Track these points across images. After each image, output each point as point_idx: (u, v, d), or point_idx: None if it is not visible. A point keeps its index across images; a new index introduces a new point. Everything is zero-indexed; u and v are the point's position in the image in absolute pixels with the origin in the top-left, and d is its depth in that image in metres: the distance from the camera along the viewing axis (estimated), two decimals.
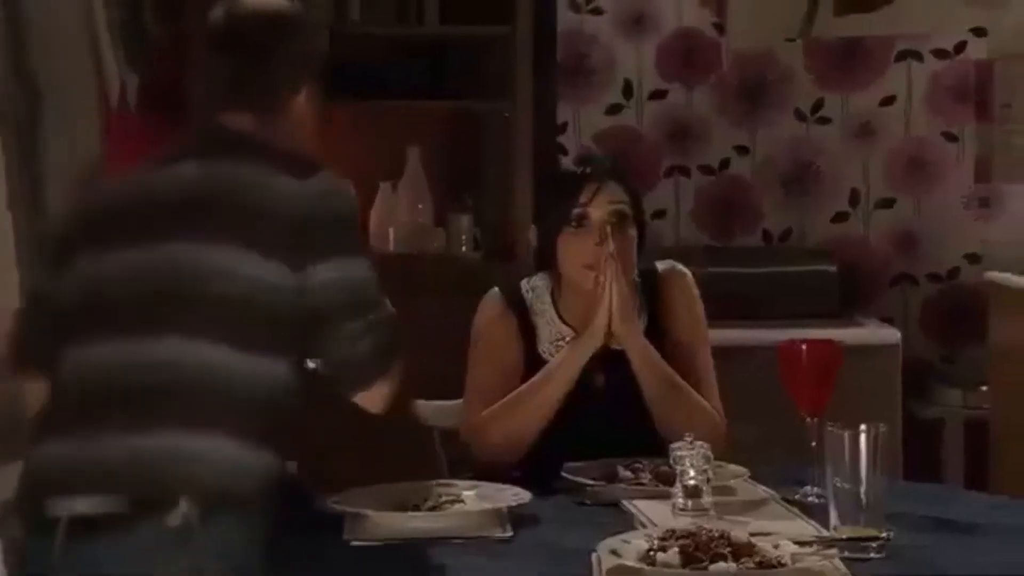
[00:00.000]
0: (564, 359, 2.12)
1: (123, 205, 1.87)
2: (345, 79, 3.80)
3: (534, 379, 2.13)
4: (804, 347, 1.93)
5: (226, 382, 1.74)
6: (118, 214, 1.86)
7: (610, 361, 2.16)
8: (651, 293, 2.22)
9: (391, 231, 3.88)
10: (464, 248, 3.86)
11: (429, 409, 2.46)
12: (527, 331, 2.20)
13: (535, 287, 2.24)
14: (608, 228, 2.09)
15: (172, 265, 1.78)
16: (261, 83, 1.90)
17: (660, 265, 2.27)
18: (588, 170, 2.14)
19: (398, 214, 3.88)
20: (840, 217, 3.95)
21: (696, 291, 2.25)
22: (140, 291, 1.79)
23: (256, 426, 1.74)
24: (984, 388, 3.64)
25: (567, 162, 2.17)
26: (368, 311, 1.82)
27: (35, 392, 1.87)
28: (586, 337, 2.10)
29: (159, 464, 1.70)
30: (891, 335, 3.45)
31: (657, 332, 2.18)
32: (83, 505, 1.69)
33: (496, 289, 2.25)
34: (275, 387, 1.77)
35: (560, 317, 2.21)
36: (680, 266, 2.27)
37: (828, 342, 1.96)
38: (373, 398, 1.84)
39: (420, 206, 3.91)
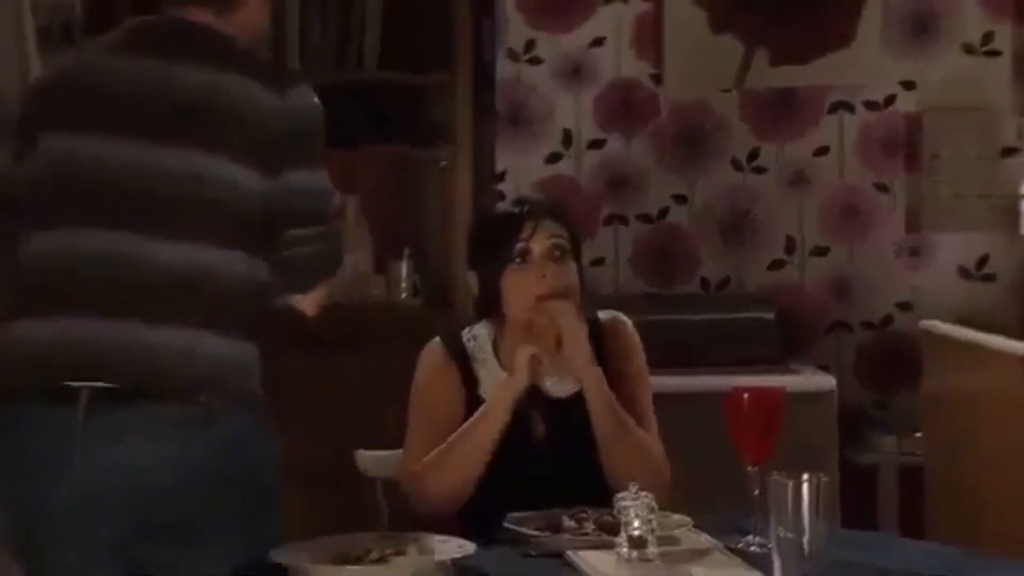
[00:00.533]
0: (492, 401, 2.11)
1: (94, 90, 1.97)
2: None
3: (466, 424, 2.12)
4: (748, 396, 1.93)
5: (206, 278, 1.90)
6: (89, 98, 1.97)
7: (552, 409, 2.16)
8: (594, 342, 2.21)
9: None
10: (404, 296, 3.85)
11: (370, 459, 2.44)
12: (469, 380, 2.19)
13: (476, 336, 2.22)
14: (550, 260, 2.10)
15: (155, 164, 1.91)
16: None
17: (602, 315, 2.27)
18: (526, 208, 2.15)
19: None
20: (776, 264, 3.99)
21: (637, 340, 2.25)
22: (120, 183, 1.92)
23: (236, 319, 1.92)
24: (918, 435, 3.68)
25: (503, 205, 2.17)
26: (321, 219, 1.97)
27: None
28: (513, 378, 2.10)
29: (145, 355, 1.86)
30: (827, 382, 3.48)
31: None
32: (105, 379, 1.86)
33: (437, 339, 2.24)
34: (251, 283, 1.93)
35: (502, 365, 2.20)
36: (621, 315, 2.28)
37: (772, 390, 1.96)
38: (309, 302, 1.99)
39: (359, 254, 3.88)
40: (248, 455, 1.93)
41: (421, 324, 3.60)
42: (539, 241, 2.12)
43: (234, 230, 1.93)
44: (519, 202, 2.20)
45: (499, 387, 2.11)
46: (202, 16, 2.02)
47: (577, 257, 2.17)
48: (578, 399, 2.16)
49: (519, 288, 2.12)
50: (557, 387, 2.18)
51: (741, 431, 1.95)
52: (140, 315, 1.90)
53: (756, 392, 1.95)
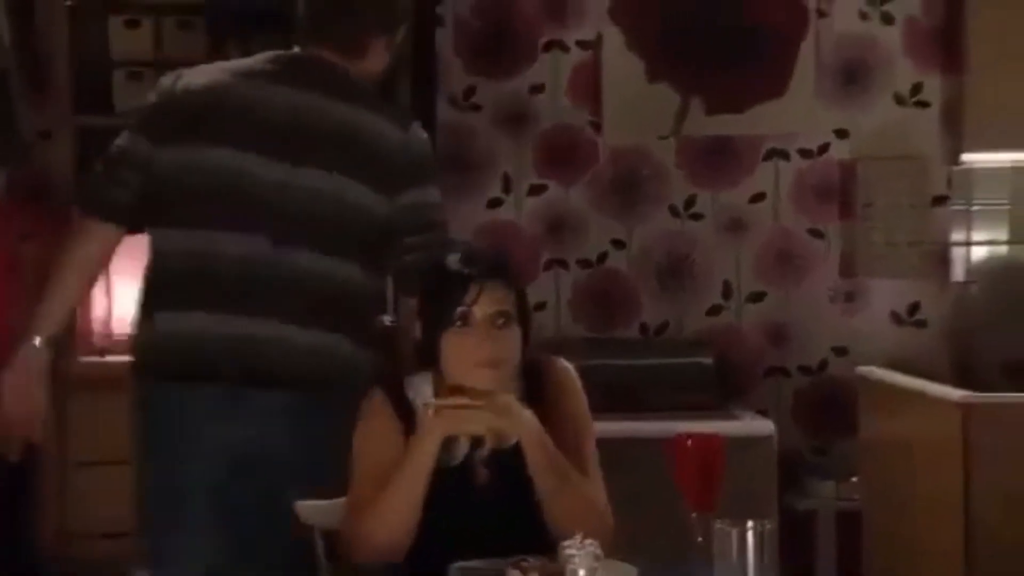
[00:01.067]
0: (410, 455, 2.09)
1: (252, 113, 2.30)
2: None
3: (395, 474, 2.09)
4: (691, 442, 1.93)
5: (335, 286, 2.27)
6: (247, 119, 2.29)
7: (494, 456, 2.14)
8: (535, 387, 2.20)
9: None
10: None
11: (309, 509, 2.40)
12: (411, 429, 2.16)
13: (418, 385, 2.20)
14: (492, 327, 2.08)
15: (300, 183, 2.26)
16: (348, 24, 2.36)
17: (543, 360, 2.26)
18: (473, 269, 2.12)
19: None
20: (714, 310, 4.02)
21: (579, 385, 2.23)
22: (267, 197, 2.26)
23: (355, 325, 2.29)
24: (855, 480, 3.71)
25: (452, 259, 2.15)
26: (430, 228, 2.33)
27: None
28: (424, 436, 2.07)
29: (266, 348, 2.22)
30: (766, 427, 3.49)
31: (542, 423, 2.16)
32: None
33: (378, 388, 2.21)
34: (368, 292, 2.31)
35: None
36: (563, 361, 2.26)
37: (715, 436, 1.96)
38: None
39: None
40: (339, 448, 2.13)
41: (360, 372, 3.59)
42: (483, 307, 2.09)
43: (360, 245, 2.29)
44: (467, 259, 2.16)
45: (413, 441, 2.10)
46: (335, 59, 2.35)
47: (524, 319, 2.15)
48: (519, 448, 2.14)
49: (458, 352, 2.10)
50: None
51: (684, 477, 1.94)
52: (276, 314, 2.25)
53: (698, 439, 1.95)
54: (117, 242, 2.40)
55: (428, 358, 2.16)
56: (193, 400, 2.27)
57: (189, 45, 3.72)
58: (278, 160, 2.29)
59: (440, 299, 2.11)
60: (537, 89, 3.97)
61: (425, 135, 2.41)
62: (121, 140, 2.40)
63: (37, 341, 2.37)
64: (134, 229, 2.39)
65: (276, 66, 2.38)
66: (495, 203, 3.97)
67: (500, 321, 2.09)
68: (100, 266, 2.44)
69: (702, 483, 1.92)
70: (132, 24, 3.69)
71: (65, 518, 3.59)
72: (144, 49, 3.69)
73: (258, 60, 2.42)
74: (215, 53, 3.72)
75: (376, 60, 2.41)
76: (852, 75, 4.01)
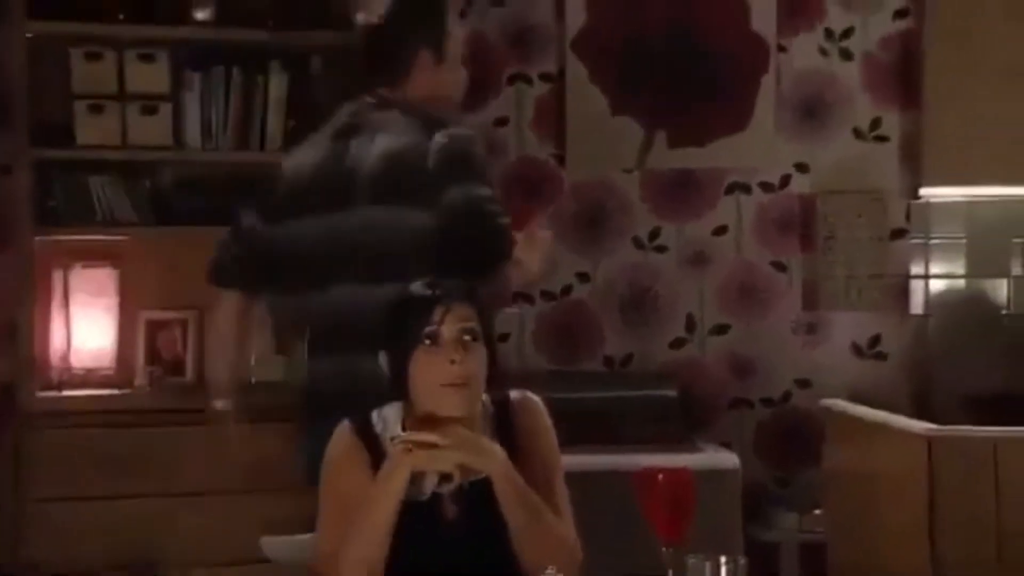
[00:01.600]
0: (378, 489, 2.07)
1: (320, 178, 2.59)
2: (185, 206, 3.73)
3: (362, 508, 2.07)
4: (661, 476, 1.92)
5: None
6: (336, 180, 2.55)
7: (463, 491, 2.12)
8: (504, 422, 2.19)
9: None
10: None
11: (276, 544, 2.37)
12: (380, 462, 2.15)
13: (385, 417, 2.18)
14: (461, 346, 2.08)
15: (370, 224, 2.50)
16: (380, 55, 2.59)
17: (513, 394, 2.25)
18: (438, 292, 2.13)
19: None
20: (678, 342, 4.03)
21: (548, 420, 2.23)
22: (361, 243, 2.51)
23: None
24: (818, 512, 3.72)
25: (416, 285, 2.16)
26: (480, 221, 2.48)
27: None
28: (391, 472, 2.06)
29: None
30: (731, 460, 3.49)
31: (512, 460, 2.15)
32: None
33: (346, 421, 2.20)
34: None
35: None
36: (531, 395, 2.25)
37: (684, 470, 1.96)
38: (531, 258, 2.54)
39: (260, 333, 3.82)
40: None
41: None
42: (450, 325, 2.09)
43: (426, 263, 2.44)
44: (432, 284, 2.17)
45: (381, 476, 2.08)
46: (387, 92, 2.59)
47: (489, 340, 2.16)
48: (489, 483, 2.13)
49: (426, 373, 2.09)
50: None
51: (655, 511, 1.94)
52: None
53: (669, 472, 1.94)
54: (249, 306, 2.77)
55: (396, 387, 2.15)
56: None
57: (151, 78, 3.70)
58: (349, 209, 2.54)
59: (407, 323, 2.11)
60: (501, 122, 3.98)
61: (463, 134, 2.54)
62: (244, 219, 2.75)
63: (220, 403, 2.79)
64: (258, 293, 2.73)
65: (340, 121, 2.66)
66: None
67: (467, 338, 2.09)
68: (239, 326, 2.79)
69: (672, 517, 1.92)
70: (93, 57, 3.66)
71: (20, 555, 3.52)
72: (106, 81, 3.67)
73: (336, 118, 2.69)
74: (177, 87, 3.72)
75: (428, 76, 2.59)
76: (812, 110, 4.05)
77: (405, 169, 2.51)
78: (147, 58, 3.69)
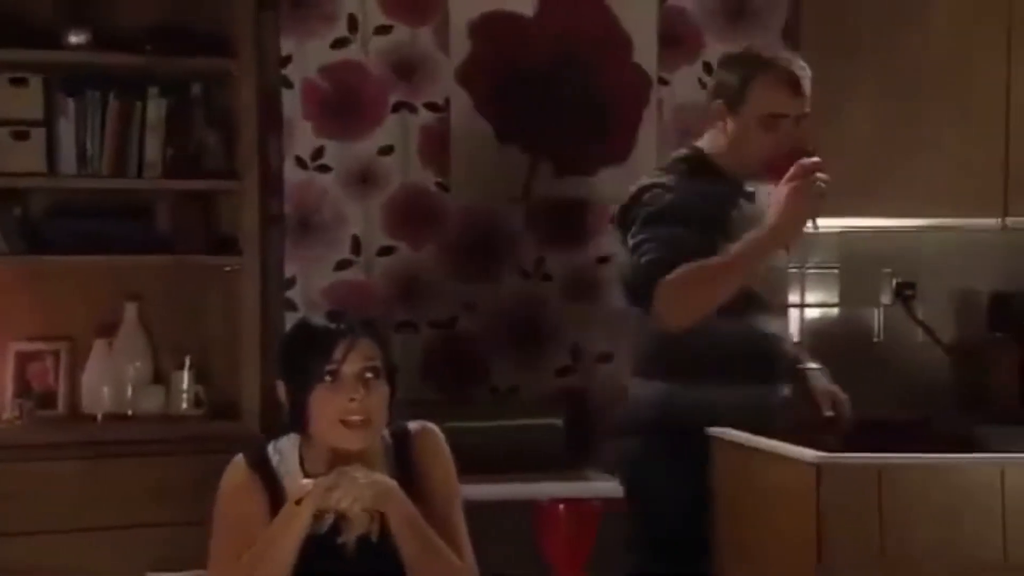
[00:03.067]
0: (281, 524, 2.02)
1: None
2: (58, 234, 3.61)
3: (261, 540, 2.01)
4: (562, 507, 1.89)
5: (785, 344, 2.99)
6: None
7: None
8: (404, 453, 2.17)
9: (105, 390, 3.66)
10: (185, 407, 3.68)
11: None
12: (275, 495, 2.08)
13: (281, 449, 2.13)
14: (361, 384, 2.05)
15: None
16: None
17: (411, 425, 2.23)
18: (341, 326, 2.09)
19: (114, 372, 3.68)
20: (564, 371, 4.01)
21: (447, 450, 2.21)
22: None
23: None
24: None
25: (318, 319, 2.11)
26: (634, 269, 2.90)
27: None
28: (294, 511, 2.01)
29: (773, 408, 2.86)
30: (618, 488, 3.47)
31: (411, 492, 2.12)
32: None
33: (241, 455, 2.13)
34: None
35: (308, 478, 2.10)
36: (431, 425, 2.24)
37: (586, 501, 1.93)
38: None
39: (138, 363, 3.71)
40: None
41: (204, 436, 3.47)
42: (352, 363, 2.06)
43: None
44: (335, 316, 2.13)
45: (284, 512, 2.03)
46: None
47: (390, 376, 2.14)
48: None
49: (326, 409, 2.05)
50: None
51: (552, 542, 1.90)
52: (775, 379, 2.94)
53: (569, 504, 1.91)
54: None
55: (294, 420, 2.11)
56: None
57: (24, 103, 3.58)
58: None
59: (308, 357, 2.07)
60: (386, 151, 3.93)
61: (640, 184, 2.97)
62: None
63: None
64: None
65: None
66: (344, 264, 3.89)
67: (368, 376, 2.06)
68: None
69: (571, 547, 1.89)
70: None
71: None
72: None
73: None
74: (51, 112, 3.59)
75: (722, 135, 2.94)
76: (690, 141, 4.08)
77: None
78: (19, 82, 3.56)
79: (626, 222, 2.93)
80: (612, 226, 3.04)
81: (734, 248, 2.76)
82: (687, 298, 2.75)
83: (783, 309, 3.01)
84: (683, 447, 2.75)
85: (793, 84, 2.86)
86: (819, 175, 2.72)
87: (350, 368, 2.05)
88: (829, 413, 2.95)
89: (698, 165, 2.96)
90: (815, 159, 2.75)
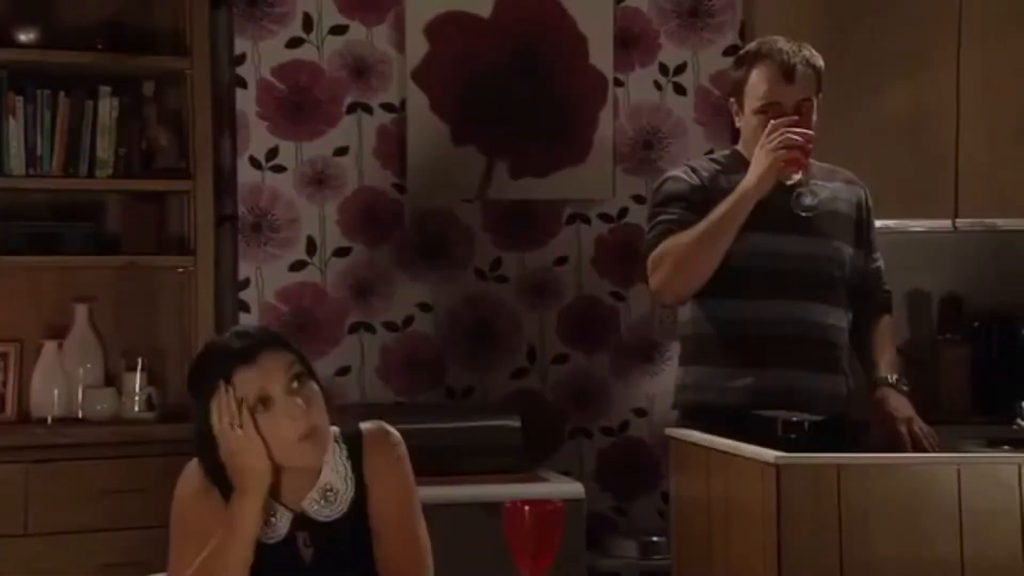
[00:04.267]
0: (235, 515, 1.95)
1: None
2: (7, 235, 3.53)
3: (214, 543, 1.95)
4: (528, 508, 1.85)
5: (838, 333, 2.90)
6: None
7: (319, 533, 2.03)
8: (356, 454, 2.11)
9: (56, 392, 3.58)
10: (137, 410, 3.61)
11: None
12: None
13: None
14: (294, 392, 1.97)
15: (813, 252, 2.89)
16: None
17: (364, 425, 2.16)
18: (247, 343, 1.99)
19: (64, 375, 3.60)
20: (519, 373, 3.98)
21: (403, 449, 2.14)
22: (794, 268, 2.83)
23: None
24: (656, 539, 3.71)
25: (221, 341, 2.00)
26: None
27: None
28: (244, 497, 1.95)
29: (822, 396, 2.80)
30: (576, 489, 3.44)
31: (366, 493, 2.07)
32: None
33: (195, 460, 2.06)
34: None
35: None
36: (385, 425, 2.17)
37: (552, 502, 1.90)
38: None
39: (89, 365, 3.63)
40: None
41: (155, 439, 3.40)
42: (277, 380, 1.97)
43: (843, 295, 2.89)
44: (240, 336, 2.02)
45: (236, 501, 1.96)
46: None
47: (313, 375, 2.05)
48: (345, 522, 2.04)
49: (277, 436, 1.97)
50: (323, 510, 2.05)
51: (519, 544, 1.87)
52: (815, 365, 2.83)
53: (535, 505, 1.88)
54: None
55: (205, 448, 2.00)
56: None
57: None
58: (797, 237, 2.89)
59: (213, 378, 1.97)
60: (342, 151, 3.88)
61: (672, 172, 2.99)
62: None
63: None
64: None
65: None
66: (299, 265, 3.83)
67: (294, 385, 1.98)
68: None
69: (536, 549, 1.85)
70: None
71: None
72: None
73: None
74: None
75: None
76: (648, 142, 4.07)
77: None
78: None
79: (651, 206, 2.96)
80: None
81: (714, 210, 2.75)
82: (675, 268, 2.75)
83: (839, 299, 2.89)
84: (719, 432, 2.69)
85: (785, 71, 2.83)
86: (790, 130, 2.73)
87: (278, 387, 1.96)
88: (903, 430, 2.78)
89: (731, 160, 2.95)
90: (789, 118, 2.76)
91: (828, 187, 2.95)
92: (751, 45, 2.97)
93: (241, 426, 1.93)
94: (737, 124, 2.96)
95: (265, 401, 1.95)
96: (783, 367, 2.80)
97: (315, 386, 2.01)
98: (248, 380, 1.94)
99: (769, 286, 2.81)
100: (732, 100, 2.96)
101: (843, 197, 2.96)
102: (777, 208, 2.83)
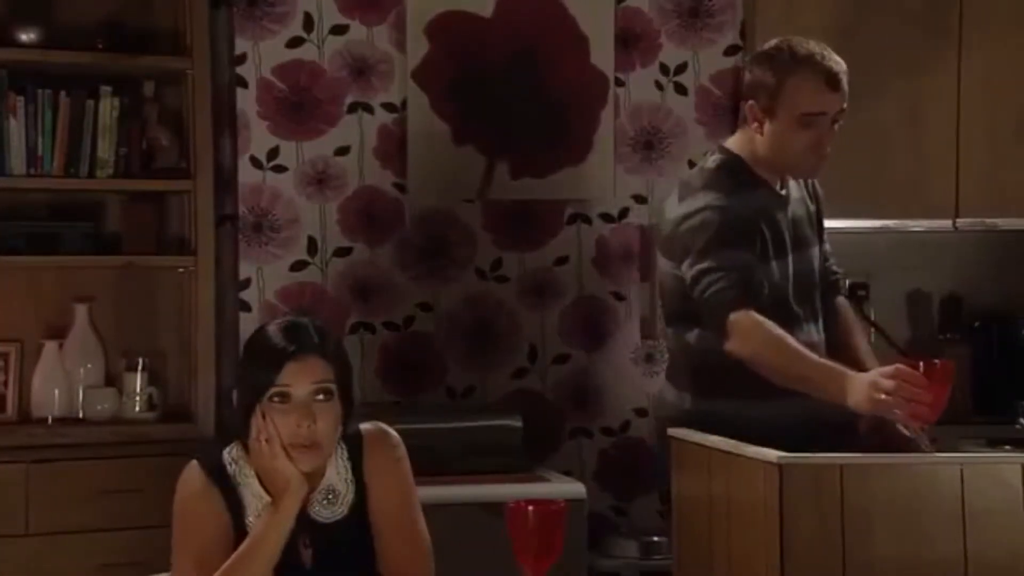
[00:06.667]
0: (266, 527, 1.96)
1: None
2: (8, 235, 3.52)
3: (239, 552, 1.94)
4: (531, 508, 1.84)
5: None
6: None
7: (319, 535, 2.02)
8: (356, 455, 2.10)
9: (56, 392, 3.56)
10: (138, 410, 3.59)
11: None
12: (233, 503, 2.01)
13: (237, 458, 2.05)
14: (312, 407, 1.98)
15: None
16: None
17: (364, 426, 2.16)
18: (292, 346, 2.01)
19: (64, 375, 3.58)
20: (520, 373, 3.97)
21: (402, 450, 2.14)
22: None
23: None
24: (657, 539, 3.69)
25: (274, 330, 2.02)
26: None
27: None
28: (287, 497, 1.96)
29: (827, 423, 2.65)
30: (578, 489, 3.42)
31: (365, 493, 2.06)
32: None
33: (195, 461, 2.05)
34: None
35: (264, 485, 2.04)
36: (384, 426, 2.17)
37: (554, 503, 1.88)
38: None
39: (89, 365, 3.61)
40: None
41: (156, 439, 3.39)
42: (302, 385, 1.98)
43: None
44: (288, 335, 2.03)
45: (271, 514, 1.97)
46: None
47: (346, 391, 2.06)
48: (345, 523, 2.03)
49: (276, 431, 1.98)
50: (324, 511, 2.05)
51: (522, 544, 1.85)
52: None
53: (538, 505, 1.86)
54: None
55: (242, 428, 2.03)
56: None
57: None
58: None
59: (258, 370, 1.99)
60: (342, 151, 3.86)
61: (684, 211, 2.69)
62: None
63: None
64: None
65: None
66: (301, 265, 3.82)
67: (320, 397, 1.99)
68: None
69: (540, 549, 1.84)
70: None
71: None
72: None
73: None
74: (0, 111, 3.49)
75: (757, 136, 2.72)
76: (649, 142, 4.06)
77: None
78: None
79: (674, 250, 2.69)
80: (658, 254, 2.81)
81: (807, 368, 2.59)
82: (762, 364, 2.59)
83: (818, 308, 2.78)
84: None
85: (831, 80, 2.65)
86: (915, 390, 2.53)
87: (301, 391, 1.98)
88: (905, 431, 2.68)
89: (739, 175, 2.71)
90: (917, 376, 2.54)
91: (788, 186, 2.81)
92: (773, 46, 2.74)
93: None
94: (752, 127, 2.73)
95: (284, 397, 1.95)
96: (791, 397, 2.64)
97: (337, 408, 2.01)
98: (285, 373, 1.97)
99: (777, 318, 2.64)
100: (751, 102, 2.72)
101: (797, 195, 2.82)
102: (776, 232, 2.72)
